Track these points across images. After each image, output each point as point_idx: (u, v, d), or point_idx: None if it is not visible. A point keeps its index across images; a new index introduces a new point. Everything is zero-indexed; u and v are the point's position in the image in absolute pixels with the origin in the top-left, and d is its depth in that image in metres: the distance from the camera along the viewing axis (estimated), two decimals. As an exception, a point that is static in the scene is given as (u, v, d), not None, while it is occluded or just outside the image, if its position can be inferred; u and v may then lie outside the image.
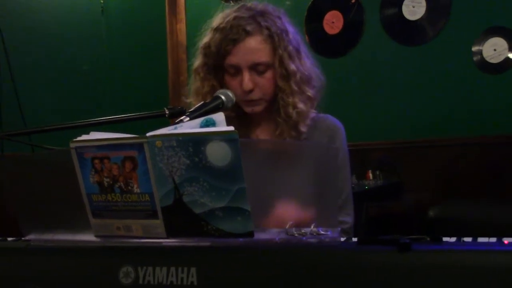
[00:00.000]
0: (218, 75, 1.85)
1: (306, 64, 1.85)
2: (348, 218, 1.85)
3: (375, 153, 3.52)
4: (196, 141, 1.17)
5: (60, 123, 1.72)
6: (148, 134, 1.21)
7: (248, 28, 1.77)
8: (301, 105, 1.80)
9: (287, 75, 1.80)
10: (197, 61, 1.88)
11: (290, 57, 1.80)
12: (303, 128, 1.81)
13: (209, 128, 1.27)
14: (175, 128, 1.28)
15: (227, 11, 1.84)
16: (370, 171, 3.18)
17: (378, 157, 3.42)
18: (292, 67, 1.79)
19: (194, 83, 1.90)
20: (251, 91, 1.79)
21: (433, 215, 3.09)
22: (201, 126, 1.31)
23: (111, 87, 4.10)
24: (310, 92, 1.83)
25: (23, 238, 1.43)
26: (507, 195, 3.29)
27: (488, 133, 3.45)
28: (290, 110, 1.80)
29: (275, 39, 1.79)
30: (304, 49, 1.88)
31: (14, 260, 1.38)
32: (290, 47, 1.81)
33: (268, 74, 1.81)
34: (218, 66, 1.83)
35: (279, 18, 1.84)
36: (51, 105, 3.72)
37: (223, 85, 1.84)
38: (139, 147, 1.21)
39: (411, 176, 3.35)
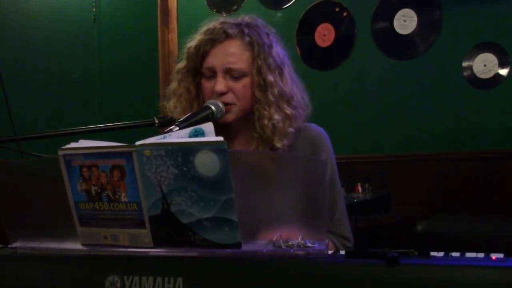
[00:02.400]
0: (195, 79, 1.85)
1: (288, 83, 1.82)
2: (350, 234, 1.84)
3: (364, 166, 3.52)
4: (185, 151, 1.16)
5: (50, 130, 1.71)
6: (137, 143, 1.20)
7: (229, 31, 1.78)
8: (277, 117, 1.76)
9: (264, 86, 1.77)
10: (180, 63, 1.89)
11: (269, 68, 1.78)
12: (278, 144, 1.77)
13: (198, 138, 1.28)
14: (164, 138, 1.28)
15: (220, 18, 1.85)
16: (359, 184, 3.18)
17: (367, 170, 3.42)
18: (270, 78, 1.77)
19: (172, 84, 1.90)
20: (223, 94, 1.76)
21: (421, 229, 3.09)
22: (190, 136, 1.31)
23: (101, 96, 4.09)
24: (288, 110, 1.79)
25: (9, 246, 1.42)
26: (495, 210, 3.30)
27: (477, 148, 3.46)
28: (265, 122, 1.77)
29: (255, 48, 1.78)
30: (289, 71, 1.85)
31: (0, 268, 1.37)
32: (271, 60, 1.79)
33: (244, 81, 1.78)
34: (197, 70, 1.83)
35: (267, 34, 1.84)
36: (41, 113, 3.70)
37: (199, 88, 1.84)
38: (128, 155, 1.21)
39: (400, 190, 3.35)
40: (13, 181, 1.43)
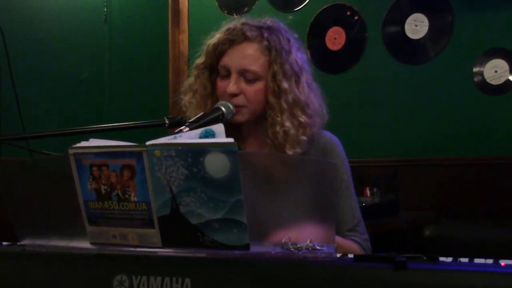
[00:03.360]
0: (211, 76, 1.84)
1: (304, 91, 1.80)
2: (367, 236, 1.84)
3: (373, 170, 3.51)
4: (195, 152, 1.17)
5: (59, 129, 1.72)
6: (147, 143, 1.21)
7: (248, 33, 1.77)
8: (288, 124, 1.75)
9: (279, 92, 1.76)
10: (199, 59, 1.88)
11: (285, 75, 1.76)
12: (289, 152, 1.75)
13: (209, 139, 1.28)
14: (175, 138, 1.28)
15: (244, 19, 1.84)
16: (367, 188, 3.17)
17: (376, 174, 3.41)
18: (285, 85, 1.76)
19: (190, 78, 1.90)
20: (235, 95, 1.76)
21: (429, 234, 3.09)
22: (201, 137, 1.31)
23: (111, 96, 4.10)
24: (302, 118, 1.77)
25: (18, 243, 1.42)
26: (504, 217, 3.28)
27: (486, 154, 3.44)
28: (277, 128, 1.75)
29: (272, 53, 1.77)
30: (307, 79, 1.83)
31: (8, 265, 1.37)
32: (287, 67, 1.77)
33: (258, 85, 1.77)
34: (213, 67, 1.83)
35: (288, 39, 1.82)
36: (51, 111, 3.71)
37: (214, 86, 1.83)
38: (138, 155, 1.21)
39: (408, 194, 3.34)
40: (23, 178, 1.44)
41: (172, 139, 1.27)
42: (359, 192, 3.17)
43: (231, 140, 1.16)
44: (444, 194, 3.47)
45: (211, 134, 1.31)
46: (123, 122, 1.74)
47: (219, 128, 1.32)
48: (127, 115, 3.99)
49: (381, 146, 3.74)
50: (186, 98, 1.88)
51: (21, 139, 1.77)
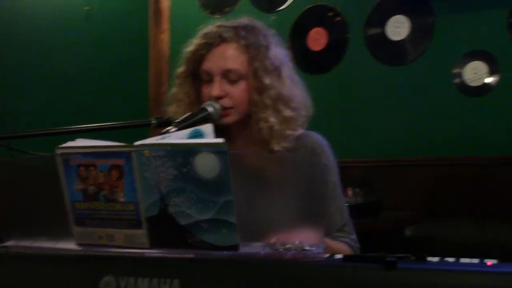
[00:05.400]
0: (194, 83, 1.84)
1: (287, 85, 1.80)
2: (355, 236, 1.84)
3: (355, 170, 3.53)
4: (185, 152, 1.16)
5: (41, 129, 1.70)
6: (136, 143, 1.20)
7: (225, 35, 1.77)
8: (272, 120, 1.75)
9: (261, 89, 1.76)
10: (179, 68, 1.88)
11: (266, 71, 1.76)
12: (276, 147, 1.75)
13: (199, 140, 1.27)
14: (164, 138, 1.28)
15: (218, 22, 1.85)
16: (350, 188, 3.19)
17: (358, 174, 3.43)
18: (267, 81, 1.76)
19: (173, 89, 1.89)
20: (220, 98, 1.75)
21: (409, 234, 3.11)
22: (190, 137, 1.31)
23: (92, 95, 4.07)
24: (286, 112, 1.77)
25: (0, 244, 1.40)
26: (485, 216, 3.32)
27: (467, 155, 3.48)
28: (262, 125, 1.75)
29: (251, 50, 1.77)
30: (288, 73, 1.83)
31: (-9, 267, 1.36)
32: (268, 62, 1.77)
33: (241, 85, 1.77)
34: (195, 74, 1.83)
35: (264, 36, 1.82)
36: (31, 111, 3.67)
37: (198, 92, 1.83)
38: (127, 155, 1.20)
39: (390, 195, 3.36)
40: (7, 179, 1.41)
41: (160, 139, 1.26)
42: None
43: (221, 140, 1.16)
44: (426, 195, 3.50)
45: (200, 134, 1.30)
46: (102, 122, 1.72)
47: (208, 128, 1.31)
48: (106, 114, 3.96)
49: (361, 147, 3.76)
50: (171, 109, 1.87)
51: (2, 139, 1.74)
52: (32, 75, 3.72)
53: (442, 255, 1.22)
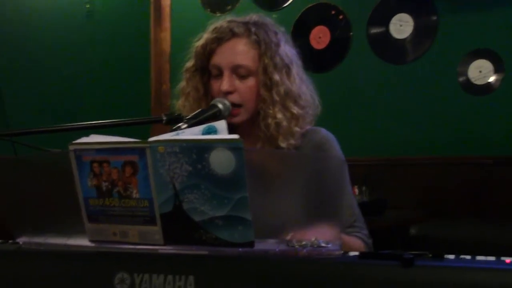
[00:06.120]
0: (203, 78, 1.83)
1: (296, 82, 1.80)
2: (367, 232, 1.83)
3: (359, 169, 3.51)
4: (200, 148, 1.15)
5: (46, 126, 1.69)
6: (150, 139, 1.19)
7: (236, 30, 1.77)
8: (280, 116, 1.75)
9: (270, 85, 1.76)
10: (188, 62, 1.87)
11: (276, 67, 1.76)
12: (282, 144, 1.75)
13: (214, 136, 1.26)
14: (177, 134, 1.27)
15: (229, 17, 1.84)
16: (356, 186, 3.18)
17: (363, 173, 3.43)
18: (276, 77, 1.75)
19: (181, 83, 1.89)
20: (229, 93, 1.75)
21: (414, 233, 3.10)
22: (203, 133, 1.30)
23: (93, 93, 4.07)
24: (294, 109, 1.77)
25: (13, 241, 1.39)
26: (488, 215, 3.32)
27: (471, 154, 3.48)
28: (269, 121, 1.75)
29: (261, 46, 1.77)
30: (297, 71, 1.83)
31: (2, 264, 1.34)
32: (278, 59, 1.77)
33: (250, 82, 1.77)
34: (204, 68, 1.82)
35: (275, 33, 1.82)
36: (33, 109, 3.67)
37: (207, 87, 1.82)
38: (141, 152, 1.19)
39: (394, 193, 3.37)
40: (19, 175, 1.41)
41: (174, 135, 1.25)
42: (347, 191, 3.18)
43: (236, 136, 1.15)
44: (429, 194, 3.50)
45: (214, 131, 1.30)
46: (103, 120, 1.70)
47: (221, 124, 1.30)
48: (108, 112, 3.96)
49: (365, 146, 3.76)
50: (179, 102, 1.87)
51: (13, 136, 1.73)
52: (32, 73, 3.71)
53: (449, 254, 1.22)
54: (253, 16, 1.84)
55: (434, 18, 3.62)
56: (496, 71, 3.44)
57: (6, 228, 1.37)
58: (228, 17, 1.84)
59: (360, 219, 1.83)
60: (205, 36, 1.81)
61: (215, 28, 1.80)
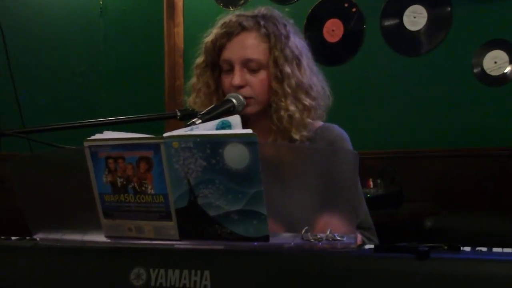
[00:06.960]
0: (214, 73, 1.84)
1: (306, 74, 1.80)
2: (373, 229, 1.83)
3: (375, 161, 3.51)
4: (214, 143, 1.15)
5: (62, 123, 1.70)
6: (165, 135, 1.19)
7: (245, 23, 1.78)
8: (293, 108, 1.75)
9: (281, 77, 1.76)
10: (198, 58, 1.88)
11: (286, 59, 1.77)
12: (296, 136, 1.76)
13: (228, 130, 1.27)
14: (191, 130, 1.27)
15: (237, 12, 1.85)
16: (371, 179, 3.17)
17: (377, 166, 3.42)
18: (287, 69, 1.76)
19: (192, 79, 1.90)
20: (241, 87, 1.75)
21: (430, 225, 3.09)
22: (217, 128, 1.30)
23: (106, 89, 4.08)
24: (306, 101, 1.78)
25: (30, 237, 1.40)
26: (504, 207, 3.29)
27: (487, 145, 3.46)
28: (282, 113, 1.76)
29: (271, 39, 1.77)
30: (308, 62, 1.83)
31: (20, 260, 1.36)
32: (288, 51, 1.77)
33: (261, 75, 1.77)
34: (215, 64, 1.83)
35: (284, 25, 1.82)
36: (47, 106, 3.69)
37: (218, 82, 1.83)
38: (156, 147, 1.19)
39: (408, 186, 3.35)
40: (36, 172, 1.42)
41: (188, 130, 1.26)
42: (362, 184, 3.18)
43: (250, 131, 1.15)
44: (444, 186, 3.48)
45: (228, 126, 1.30)
46: (119, 116, 1.71)
47: (235, 119, 1.31)
48: (122, 108, 3.97)
49: (378, 139, 3.75)
50: (190, 99, 1.88)
51: (25, 133, 1.74)
52: (46, 70, 3.72)
53: (465, 246, 1.21)
54: (262, 9, 1.84)
55: (448, 9, 3.59)
56: (512, 61, 3.42)
57: (24, 225, 1.39)
58: (237, 12, 1.84)
59: (365, 221, 1.83)
60: (214, 31, 1.81)
61: (224, 23, 1.80)
